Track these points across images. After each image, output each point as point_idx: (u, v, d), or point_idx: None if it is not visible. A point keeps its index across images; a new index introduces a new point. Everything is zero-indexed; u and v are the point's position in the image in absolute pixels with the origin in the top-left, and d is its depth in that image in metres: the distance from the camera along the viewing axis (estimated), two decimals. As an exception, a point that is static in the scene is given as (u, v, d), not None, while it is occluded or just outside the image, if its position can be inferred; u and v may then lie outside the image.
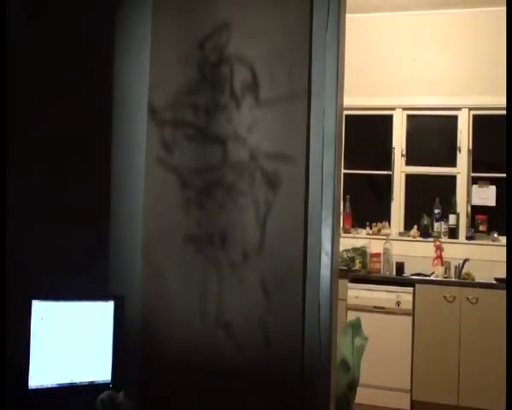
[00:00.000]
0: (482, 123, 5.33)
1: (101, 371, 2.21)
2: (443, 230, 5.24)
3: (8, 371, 2.11)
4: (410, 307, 4.70)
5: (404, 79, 5.39)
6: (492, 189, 5.20)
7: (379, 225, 5.44)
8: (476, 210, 5.27)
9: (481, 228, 5.19)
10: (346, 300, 4.74)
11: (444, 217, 5.26)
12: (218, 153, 2.23)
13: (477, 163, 5.31)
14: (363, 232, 5.47)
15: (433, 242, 5.14)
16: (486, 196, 5.21)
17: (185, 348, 2.24)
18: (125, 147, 2.36)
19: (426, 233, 5.28)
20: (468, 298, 4.58)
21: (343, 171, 4.30)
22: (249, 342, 2.18)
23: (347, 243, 5.16)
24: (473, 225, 5.24)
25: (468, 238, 5.20)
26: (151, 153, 2.31)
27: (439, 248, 5.09)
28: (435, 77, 5.32)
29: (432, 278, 4.93)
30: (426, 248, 5.17)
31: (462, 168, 5.34)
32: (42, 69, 2.43)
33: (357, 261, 5.12)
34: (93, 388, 2.17)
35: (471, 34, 5.23)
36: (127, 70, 2.36)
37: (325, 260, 2.13)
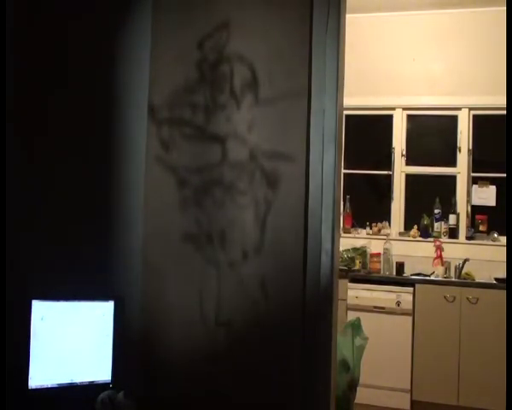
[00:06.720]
0: (482, 123, 5.33)
1: (101, 371, 2.21)
2: (443, 230, 5.24)
3: (8, 371, 2.11)
4: (410, 307, 4.69)
5: (404, 79, 5.39)
6: (492, 189, 5.20)
7: (379, 225, 5.43)
8: (476, 210, 5.26)
9: (481, 228, 5.19)
10: (346, 300, 4.74)
11: (444, 217, 5.26)
12: (217, 152, 2.23)
13: (477, 163, 5.31)
14: (363, 232, 5.47)
15: (433, 242, 5.14)
16: (486, 196, 5.21)
17: (185, 348, 2.24)
18: (124, 146, 2.36)
19: (426, 233, 5.28)
20: (468, 298, 4.58)
21: (343, 171, 4.29)
22: (249, 342, 2.17)
23: (347, 243, 5.16)
24: (473, 225, 5.23)
25: (468, 238, 5.19)
26: (150, 152, 2.30)
27: (439, 248, 5.08)
28: (435, 77, 5.32)
29: (432, 278, 4.93)
30: (426, 249, 5.17)
31: (462, 168, 5.33)
32: (41, 69, 2.43)
33: (357, 261, 5.12)
34: (93, 388, 2.17)
35: (471, 34, 5.23)
36: (127, 69, 2.36)
37: (325, 260, 2.12)
